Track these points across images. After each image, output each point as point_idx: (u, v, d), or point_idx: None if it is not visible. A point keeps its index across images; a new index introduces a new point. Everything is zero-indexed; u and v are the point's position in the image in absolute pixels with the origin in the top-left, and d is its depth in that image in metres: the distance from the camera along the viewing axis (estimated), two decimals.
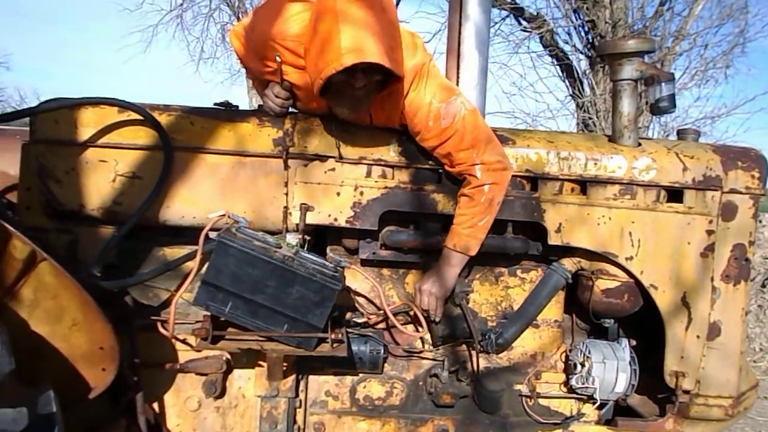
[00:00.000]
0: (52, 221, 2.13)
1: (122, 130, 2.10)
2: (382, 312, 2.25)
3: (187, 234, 2.14)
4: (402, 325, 2.28)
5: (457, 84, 2.31)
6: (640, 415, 2.44)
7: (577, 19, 8.53)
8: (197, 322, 2.09)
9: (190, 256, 2.07)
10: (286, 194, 2.14)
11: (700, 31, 8.14)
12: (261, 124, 2.15)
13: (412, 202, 2.21)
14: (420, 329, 2.29)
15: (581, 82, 8.57)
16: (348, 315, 2.29)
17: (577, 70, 8.65)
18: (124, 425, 2.06)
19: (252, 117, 2.18)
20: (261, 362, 2.17)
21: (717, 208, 2.27)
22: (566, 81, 8.93)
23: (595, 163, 2.25)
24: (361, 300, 2.32)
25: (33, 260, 1.63)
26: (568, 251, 2.33)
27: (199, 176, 2.13)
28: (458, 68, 2.32)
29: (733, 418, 2.39)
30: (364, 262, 2.30)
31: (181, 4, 12.25)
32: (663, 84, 2.23)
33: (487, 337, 2.31)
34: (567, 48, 8.85)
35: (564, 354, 2.42)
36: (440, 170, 2.22)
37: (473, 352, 2.32)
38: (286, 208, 2.15)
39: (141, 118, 2.08)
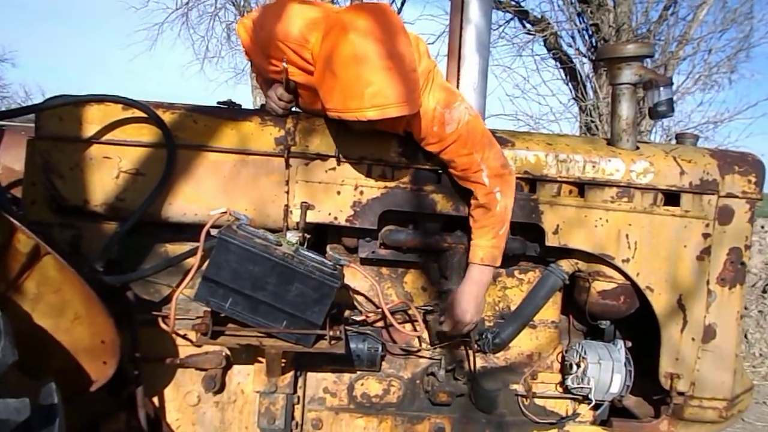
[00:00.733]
0: (56, 216, 2.15)
1: (126, 127, 2.12)
2: (380, 310, 2.27)
3: (188, 231, 2.17)
4: (399, 323, 2.30)
5: (458, 86, 2.33)
6: (635, 416, 2.46)
7: (580, 23, 8.55)
8: (197, 317, 2.12)
9: (192, 253, 2.10)
10: (287, 193, 2.17)
11: (704, 36, 8.15)
12: (263, 123, 2.18)
13: (412, 202, 2.24)
14: (417, 328, 2.32)
15: (584, 86, 8.59)
16: (346, 313, 2.31)
17: (580, 74, 8.68)
18: (124, 419, 2.08)
19: (254, 116, 2.20)
20: (260, 358, 2.20)
21: (713, 212, 2.29)
22: (569, 84, 8.95)
23: (593, 166, 2.27)
24: (359, 298, 2.34)
25: (37, 254, 1.66)
26: (566, 253, 2.35)
27: (201, 174, 2.15)
28: (459, 70, 2.34)
29: (727, 421, 2.40)
30: (364, 261, 2.33)
31: (187, 3, 12.29)
32: (661, 88, 2.25)
33: (484, 336, 2.33)
34: (570, 51, 8.88)
35: (560, 354, 2.44)
36: (440, 171, 2.24)
37: (470, 352, 2.34)
38: (287, 206, 2.18)
39: (145, 115, 2.10)
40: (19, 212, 2.15)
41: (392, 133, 2.18)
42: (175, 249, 2.21)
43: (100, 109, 2.11)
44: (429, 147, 2.14)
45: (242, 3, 12.74)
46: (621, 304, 2.33)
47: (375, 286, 2.24)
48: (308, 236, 2.20)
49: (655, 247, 2.28)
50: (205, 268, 1.94)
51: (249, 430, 2.28)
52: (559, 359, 2.45)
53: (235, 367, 2.27)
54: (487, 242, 2.16)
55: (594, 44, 8.48)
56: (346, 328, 2.22)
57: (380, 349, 2.29)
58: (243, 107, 2.30)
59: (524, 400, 2.39)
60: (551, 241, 2.28)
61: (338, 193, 2.19)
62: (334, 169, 2.19)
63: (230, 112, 2.24)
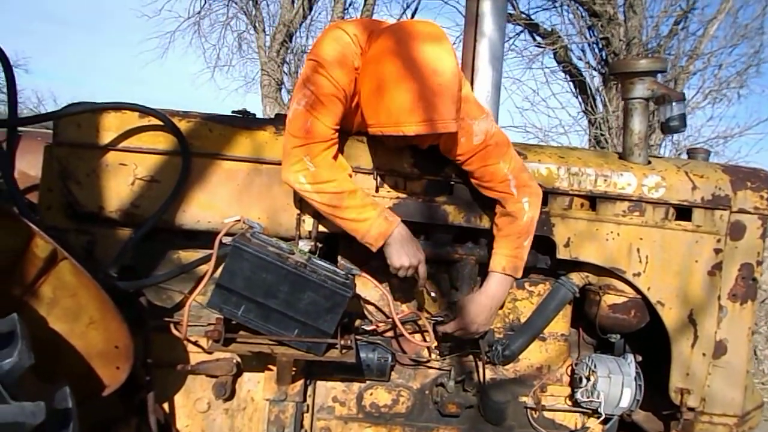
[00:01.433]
0: (71, 222, 2.18)
1: (142, 134, 2.15)
2: (390, 320, 2.28)
3: (202, 238, 2.18)
4: (410, 333, 2.30)
5: None
6: (644, 431, 2.45)
7: (591, 36, 8.57)
8: (209, 324, 2.13)
9: (205, 260, 2.12)
10: (300, 201, 2.18)
11: (714, 51, 8.15)
12: (277, 132, 2.20)
13: (423, 213, 2.25)
14: (427, 338, 2.32)
15: (594, 99, 8.60)
16: (357, 322, 2.32)
17: (590, 87, 8.69)
18: (135, 424, 2.09)
19: (269, 125, 2.22)
20: (270, 366, 2.21)
21: (725, 228, 2.29)
22: (579, 97, 8.96)
23: (605, 180, 2.28)
24: (370, 308, 2.35)
25: (54, 259, 1.68)
26: (576, 266, 2.35)
27: (215, 182, 2.17)
28: (472, 83, 2.36)
29: None
30: (375, 271, 2.33)
31: (199, 12, 12.41)
32: (674, 103, 2.26)
33: (494, 348, 2.33)
34: (581, 64, 8.89)
35: (570, 368, 2.44)
36: (452, 182, 2.25)
37: (480, 363, 2.34)
38: (299, 215, 2.19)
39: (161, 123, 2.13)
40: (36, 217, 2.17)
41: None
42: (188, 256, 2.22)
43: (117, 116, 2.14)
44: (456, 158, 2.15)
45: (254, 12, 12.86)
46: (631, 318, 2.33)
47: (386, 295, 2.25)
48: (320, 245, 2.21)
49: (667, 261, 2.28)
50: (218, 275, 1.95)
51: None
52: (569, 372, 2.44)
53: (246, 375, 2.28)
54: (510, 252, 2.16)
55: (604, 58, 8.50)
56: (357, 337, 2.22)
57: (390, 359, 2.29)
58: (257, 117, 2.33)
59: (533, 412, 2.39)
60: (562, 253, 2.28)
61: None
62: None
63: (245, 121, 2.26)
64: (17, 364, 1.41)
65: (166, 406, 2.23)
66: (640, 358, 2.43)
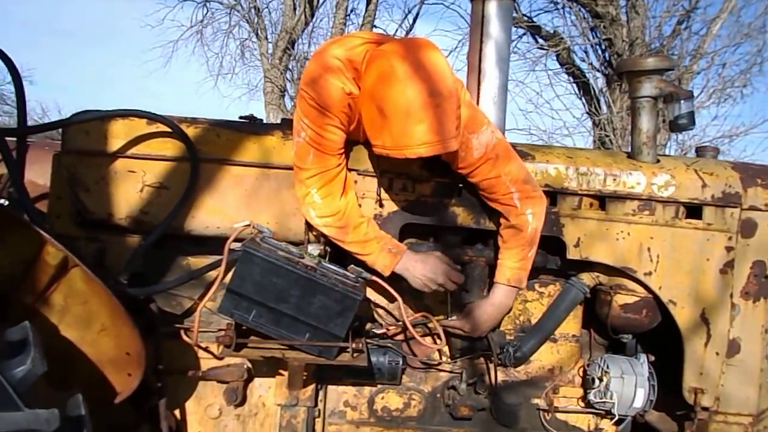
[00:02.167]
0: (81, 229, 2.18)
1: (150, 141, 2.15)
2: (401, 323, 2.27)
3: (211, 244, 2.18)
4: (420, 336, 2.29)
5: (478, 101, 2.34)
6: None
7: (594, 38, 8.59)
8: (220, 330, 2.12)
9: (215, 266, 2.12)
10: None
11: (717, 50, 8.15)
12: (285, 137, 2.20)
13: (433, 215, 2.24)
14: (438, 341, 2.31)
15: (598, 100, 8.60)
16: (367, 326, 2.32)
17: (593, 88, 8.70)
18: (147, 430, 2.09)
19: (276, 130, 2.22)
20: (281, 371, 2.21)
21: (736, 225, 2.27)
22: (583, 98, 8.98)
23: (614, 179, 2.27)
24: (380, 311, 2.34)
25: (65, 266, 1.68)
26: (587, 266, 2.34)
27: (224, 187, 2.17)
28: (479, 85, 2.36)
29: None
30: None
31: (201, 21, 12.48)
32: (682, 101, 2.25)
33: (505, 350, 2.32)
34: (584, 66, 8.92)
35: (582, 369, 2.43)
36: (461, 184, 2.25)
37: (491, 365, 2.33)
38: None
39: (169, 130, 2.13)
40: (46, 225, 2.17)
41: None
42: (198, 262, 2.22)
43: (125, 123, 2.15)
44: (458, 171, 2.16)
45: (256, 20, 12.92)
46: (643, 317, 2.31)
47: (396, 298, 2.24)
48: (329, 249, 2.21)
49: (678, 260, 2.27)
50: (229, 280, 1.95)
51: None
52: (581, 373, 2.43)
53: (257, 380, 2.28)
54: (514, 263, 2.18)
55: (607, 59, 8.51)
56: (367, 341, 2.22)
57: (401, 362, 2.29)
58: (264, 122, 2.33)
59: (546, 414, 2.38)
60: (572, 254, 2.27)
61: (359, 206, 2.20)
62: (355, 182, 2.20)
63: (252, 126, 2.26)
64: (30, 372, 1.41)
65: (177, 412, 2.23)
66: (652, 358, 2.41)
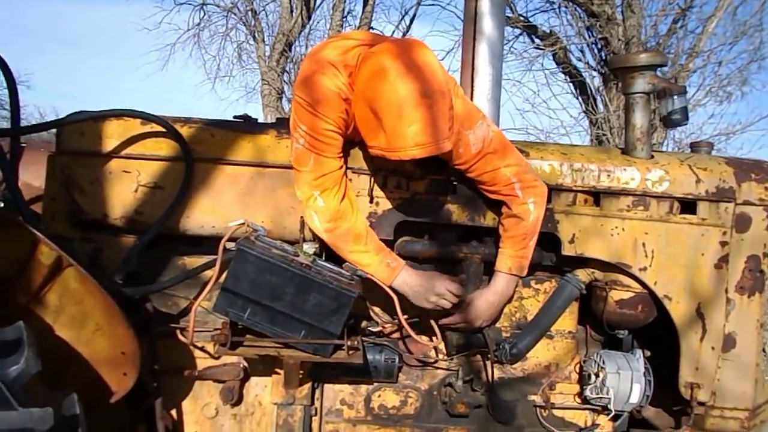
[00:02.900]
0: (76, 230, 2.18)
1: (145, 141, 2.15)
2: (396, 321, 2.27)
3: (206, 243, 2.18)
4: (416, 334, 2.30)
5: (472, 96, 2.35)
6: (654, 427, 2.44)
7: (590, 37, 8.61)
8: (215, 329, 2.12)
9: (210, 265, 2.12)
10: None
11: (714, 48, 8.16)
12: (279, 136, 2.20)
13: (428, 213, 2.25)
14: (434, 339, 2.31)
15: (594, 99, 8.61)
16: (363, 324, 2.32)
17: (590, 87, 8.71)
18: (143, 430, 2.09)
19: (271, 129, 2.23)
20: (277, 370, 2.20)
21: (731, 220, 2.28)
22: (579, 98, 8.98)
23: (608, 175, 2.27)
24: (376, 309, 2.34)
25: (59, 266, 1.68)
26: (582, 262, 2.34)
27: (219, 186, 2.18)
28: (472, 81, 2.36)
29: (749, 431, 2.37)
30: None
31: (198, 24, 12.48)
32: (675, 97, 2.25)
33: (501, 347, 2.32)
34: (580, 65, 8.92)
35: (578, 365, 2.43)
36: (455, 181, 2.25)
37: (488, 363, 2.33)
38: (303, 217, 2.19)
39: (163, 129, 2.13)
40: (41, 226, 2.17)
41: None
42: (193, 261, 2.22)
43: (120, 124, 2.15)
44: (456, 167, 2.16)
45: (253, 23, 12.92)
46: (639, 313, 2.31)
47: (391, 296, 2.24)
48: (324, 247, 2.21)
49: (673, 255, 2.27)
50: (224, 279, 1.95)
51: None
52: (577, 370, 2.43)
53: (253, 379, 2.27)
54: (516, 252, 2.18)
55: (603, 58, 8.52)
56: (363, 339, 2.22)
57: (397, 360, 2.29)
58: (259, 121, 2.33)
59: (542, 411, 2.37)
60: (567, 250, 2.28)
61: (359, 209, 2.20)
62: (350, 180, 2.20)
63: (246, 125, 2.27)
64: (24, 371, 1.41)
65: (173, 412, 2.23)
66: (648, 354, 2.42)
